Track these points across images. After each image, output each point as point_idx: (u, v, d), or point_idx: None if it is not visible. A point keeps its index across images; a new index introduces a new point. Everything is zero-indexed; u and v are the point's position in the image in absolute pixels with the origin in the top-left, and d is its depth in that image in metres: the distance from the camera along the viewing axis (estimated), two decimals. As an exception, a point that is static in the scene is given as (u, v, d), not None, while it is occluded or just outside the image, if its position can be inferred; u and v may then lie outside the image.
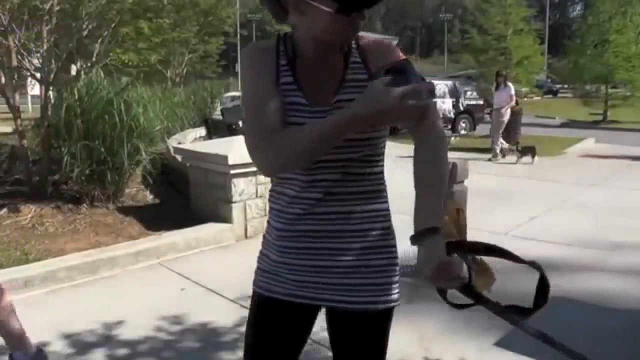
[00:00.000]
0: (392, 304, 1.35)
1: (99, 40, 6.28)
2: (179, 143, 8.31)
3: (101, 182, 5.24)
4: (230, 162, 4.73)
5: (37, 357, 1.47)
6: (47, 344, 2.84)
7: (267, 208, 1.41)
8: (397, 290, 1.36)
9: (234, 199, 4.89)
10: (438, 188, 1.18)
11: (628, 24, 19.77)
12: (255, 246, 1.48)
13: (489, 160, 9.98)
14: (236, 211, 4.89)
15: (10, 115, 5.64)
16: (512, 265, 1.17)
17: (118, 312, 3.28)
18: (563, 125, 19.84)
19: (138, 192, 5.85)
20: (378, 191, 1.34)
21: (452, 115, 15.54)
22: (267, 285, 1.37)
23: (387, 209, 1.37)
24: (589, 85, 21.01)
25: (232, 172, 4.81)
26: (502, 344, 2.83)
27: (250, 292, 1.42)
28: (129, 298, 3.58)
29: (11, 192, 5.36)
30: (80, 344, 2.92)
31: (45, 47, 5.44)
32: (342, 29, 1.22)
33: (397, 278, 1.36)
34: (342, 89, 1.27)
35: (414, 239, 1.13)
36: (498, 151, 10.12)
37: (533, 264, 1.12)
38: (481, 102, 16.09)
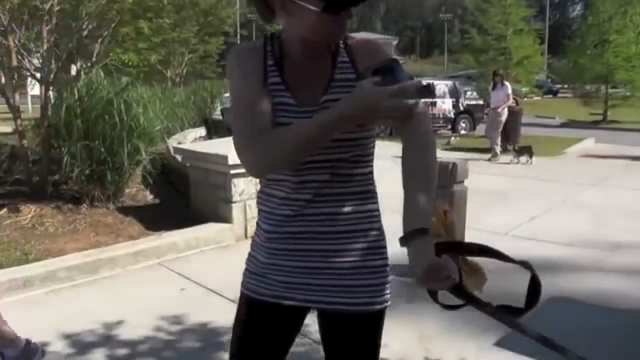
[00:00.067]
0: (387, 304, 1.36)
1: (99, 40, 6.28)
2: (179, 143, 8.31)
3: (101, 182, 5.24)
4: (230, 162, 4.73)
5: (27, 350, 1.47)
6: (47, 344, 2.84)
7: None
8: (389, 291, 1.36)
9: (234, 199, 4.89)
10: (427, 188, 1.16)
11: (628, 24, 19.79)
12: (255, 246, 1.48)
13: (489, 160, 9.97)
14: (236, 211, 4.89)
15: (10, 115, 5.63)
16: (505, 265, 1.16)
17: (118, 312, 3.28)
18: (563, 125, 19.85)
19: (138, 192, 5.85)
20: (368, 192, 1.34)
21: (452, 115, 15.57)
22: (254, 287, 1.36)
23: (378, 210, 1.36)
24: (589, 85, 21.05)
25: (232, 172, 4.81)
26: (502, 343, 2.83)
27: (250, 292, 1.42)
28: (129, 298, 3.58)
29: (11, 192, 5.35)
30: (80, 344, 2.92)
31: (45, 47, 5.44)
32: (329, 28, 1.21)
33: (389, 278, 1.36)
34: (330, 89, 1.27)
35: (403, 241, 1.11)
36: (498, 151, 10.12)
37: (524, 264, 1.11)
38: (481, 102, 16.10)
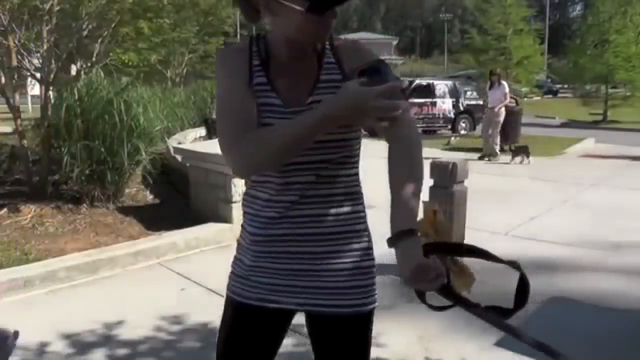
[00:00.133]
0: (375, 305, 1.35)
1: (99, 40, 6.28)
2: (179, 143, 8.31)
3: (101, 182, 5.24)
4: (231, 162, 4.73)
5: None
6: (47, 344, 2.85)
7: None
8: (376, 291, 1.36)
9: (234, 199, 4.89)
10: (413, 189, 1.14)
11: (628, 24, 19.78)
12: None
13: (489, 160, 9.97)
14: (236, 211, 4.89)
15: (10, 115, 5.64)
16: (495, 265, 1.16)
17: (118, 312, 3.28)
18: (563, 125, 19.86)
19: (138, 192, 5.85)
20: (353, 193, 1.33)
21: (452, 115, 15.58)
22: (239, 291, 1.35)
23: (363, 211, 1.36)
24: (589, 85, 21.05)
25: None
26: (502, 343, 2.82)
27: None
28: (129, 298, 3.58)
29: (11, 192, 5.36)
30: (80, 344, 2.92)
31: (45, 47, 5.44)
32: (314, 28, 1.20)
33: (375, 279, 1.36)
34: (317, 89, 1.26)
35: (391, 242, 1.09)
36: (498, 151, 10.11)
37: (512, 264, 1.10)
38: (481, 102, 16.08)
